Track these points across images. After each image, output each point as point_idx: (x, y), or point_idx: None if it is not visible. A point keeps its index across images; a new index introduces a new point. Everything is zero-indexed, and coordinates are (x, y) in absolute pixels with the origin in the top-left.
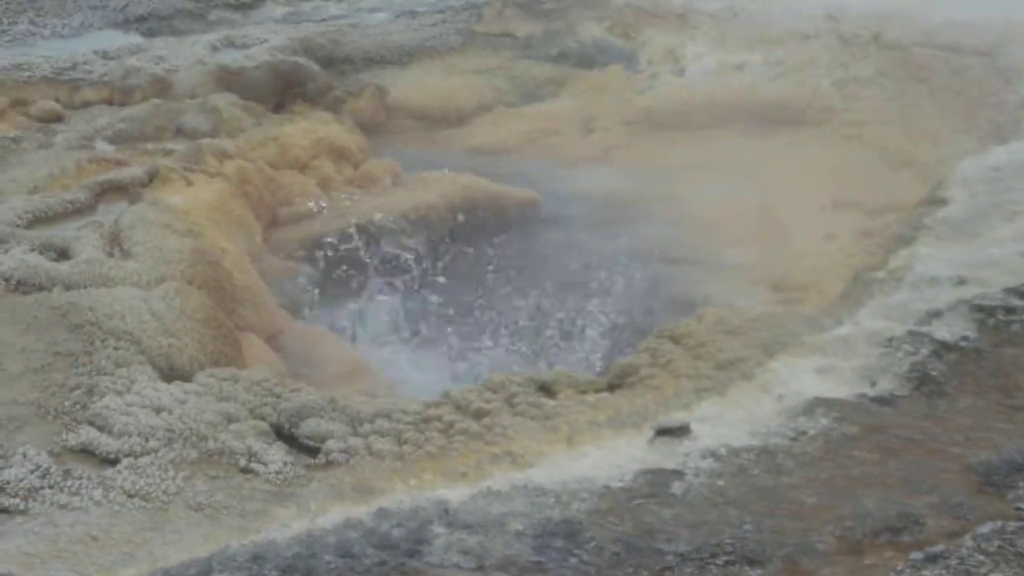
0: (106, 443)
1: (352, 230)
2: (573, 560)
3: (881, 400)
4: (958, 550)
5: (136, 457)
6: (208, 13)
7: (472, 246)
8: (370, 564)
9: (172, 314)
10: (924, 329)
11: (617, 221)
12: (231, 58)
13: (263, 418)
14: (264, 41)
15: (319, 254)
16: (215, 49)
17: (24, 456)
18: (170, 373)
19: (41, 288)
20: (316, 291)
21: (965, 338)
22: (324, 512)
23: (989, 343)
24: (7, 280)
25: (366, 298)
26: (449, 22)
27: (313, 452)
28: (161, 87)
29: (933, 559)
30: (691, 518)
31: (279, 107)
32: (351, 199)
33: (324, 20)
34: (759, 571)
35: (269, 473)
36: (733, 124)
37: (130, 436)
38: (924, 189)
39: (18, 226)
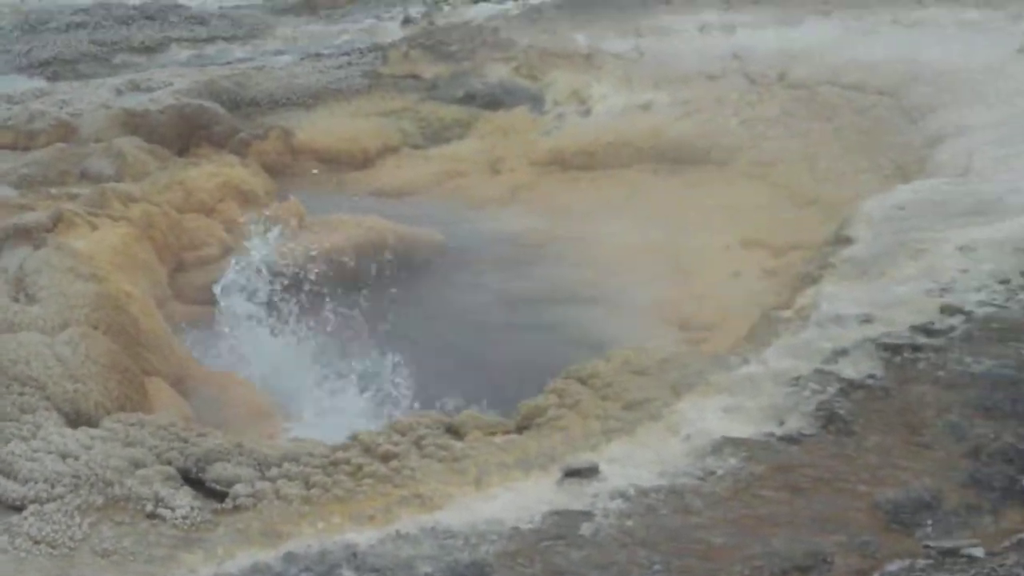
0: (12, 489)
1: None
2: None
3: (789, 439)
4: None
5: (42, 503)
6: (112, 57)
7: (377, 287)
8: None
9: (77, 359)
10: (831, 367)
11: (524, 262)
12: (136, 101)
13: (170, 463)
14: (169, 84)
15: (226, 298)
16: (119, 93)
17: None
18: (76, 419)
19: None
20: (223, 334)
21: (872, 376)
22: (231, 557)
23: (896, 381)
24: None
25: (271, 339)
26: (355, 64)
27: (220, 497)
28: (65, 131)
29: None
30: (600, 559)
31: (184, 150)
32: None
33: (229, 63)
34: None
35: (176, 518)
36: (640, 164)
37: (36, 482)
38: (829, 228)
39: None
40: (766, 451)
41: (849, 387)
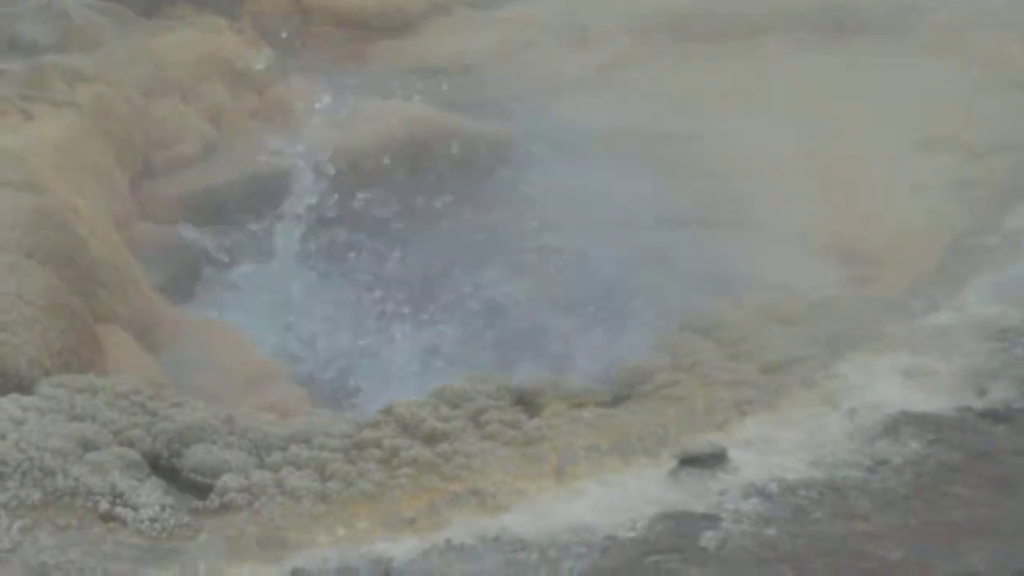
0: None
1: (255, 182)
2: None
3: (993, 415)
4: None
5: None
6: None
7: (422, 202)
8: None
9: (3, 300)
10: None
11: (621, 168)
12: None
13: (132, 444)
14: None
15: (209, 215)
16: None
17: None
18: (2, 383)
19: None
20: (205, 267)
21: None
22: (218, 575)
23: None
24: None
25: (274, 275)
26: None
27: (203, 491)
28: None
29: None
30: None
31: (153, 9)
32: (254, 138)
33: None
34: None
35: (141, 521)
36: (782, 32)
37: None
38: None
39: None
40: (962, 432)
41: None
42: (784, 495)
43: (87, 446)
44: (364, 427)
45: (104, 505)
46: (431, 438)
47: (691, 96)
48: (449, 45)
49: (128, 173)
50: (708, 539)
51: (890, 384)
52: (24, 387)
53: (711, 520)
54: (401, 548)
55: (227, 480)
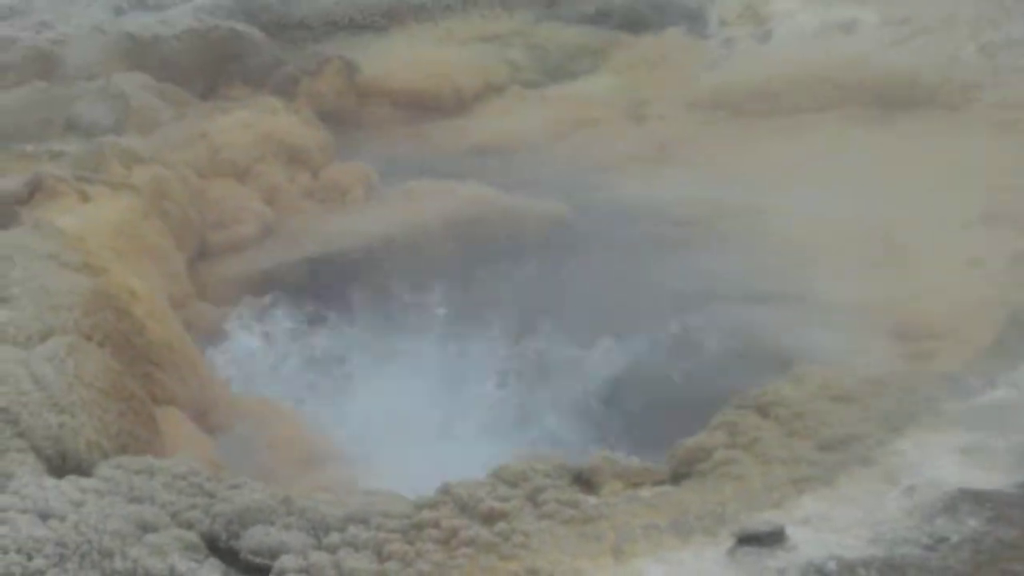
0: None
1: (310, 264)
2: None
3: None
4: None
5: None
6: None
7: (481, 281)
8: None
9: (63, 382)
10: None
11: (679, 245)
12: (142, 23)
13: (191, 526)
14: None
15: (266, 296)
16: (119, 10)
17: None
18: (61, 464)
19: None
20: (263, 348)
21: None
22: None
23: None
24: None
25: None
26: None
27: (261, 573)
28: (45, 65)
29: None
30: None
31: (209, 91)
32: (309, 218)
33: None
34: None
35: None
36: (840, 107)
37: (6, 553)
38: None
39: None
40: (1021, 508)
41: None
42: (843, 573)
43: (146, 528)
44: (423, 507)
45: None
46: (489, 518)
47: (747, 171)
48: (504, 124)
49: (185, 254)
50: None
51: (948, 461)
52: (83, 469)
53: None
54: None
55: (285, 561)
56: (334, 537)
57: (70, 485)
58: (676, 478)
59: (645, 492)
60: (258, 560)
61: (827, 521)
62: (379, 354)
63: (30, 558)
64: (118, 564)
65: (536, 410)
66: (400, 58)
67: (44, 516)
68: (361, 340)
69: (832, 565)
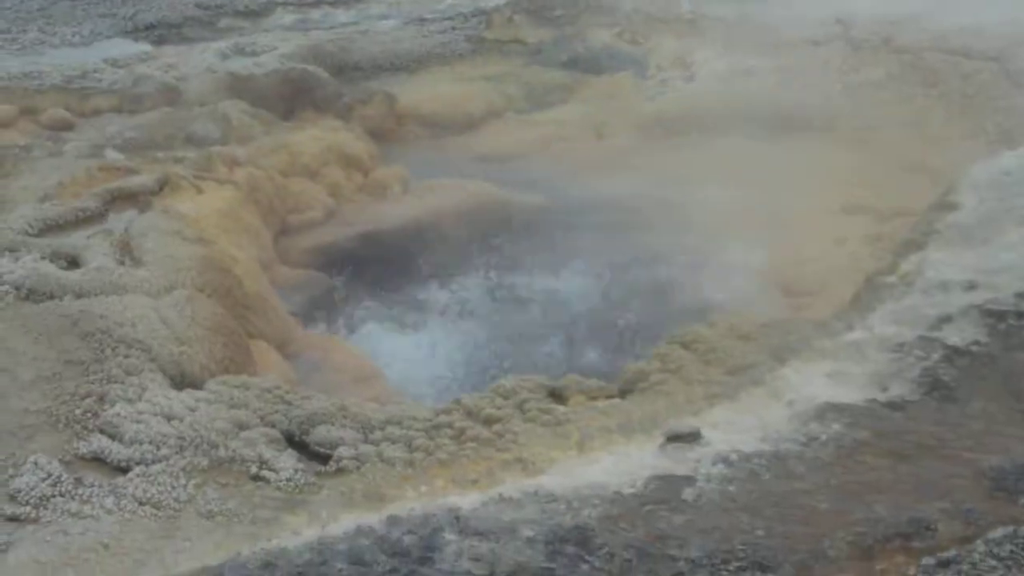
0: (117, 451)
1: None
2: (584, 567)
3: (892, 405)
4: (970, 555)
5: (147, 465)
6: (217, 20)
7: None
8: (382, 571)
9: (183, 322)
10: (935, 334)
11: (627, 226)
12: (240, 65)
13: (274, 425)
14: (273, 48)
15: (330, 262)
16: (225, 56)
17: (35, 464)
18: (181, 381)
19: (52, 297)
20: (327, 298)
21: (976, 343)
22: (335, 519)
23: (1000, 348)
24: (18, 289)
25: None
26: (458, 28)
27: (324, 459)
28: (171, 95)
29: (945, 564)
30: (703, 524)
31: (289, 114)
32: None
33: (333, 27)
34: None
35: (280, 481)
36: (741, 129)
37: (141, 444)
38: (934, 193)
39: (29, 234)
40: (870, 417)
41: (953, 353)
42: (742, 462)
43: (241, 426)
44: (440, 413)
45: (254, 469)
46: (489, 421)
47: (677, 174)
48: (501, 140)
49: (271, 231)
50: (687, 494)
51: (818, 383)
52: (197, 384)
53: (689, 480)
54: (467, 501)
55: (341, 451)
56: (377, 434)
57: (188, 396)
58: (623, 393)
59: (601, 403)
60: (322, 450)
61: (731, 425)
62: (406, 290)
63: (158, 448)
64: (221, 452)
65: (516, 322)
66: (426, 91)
67: (168, 417)
68: (394, 283)
69: (734, 456)
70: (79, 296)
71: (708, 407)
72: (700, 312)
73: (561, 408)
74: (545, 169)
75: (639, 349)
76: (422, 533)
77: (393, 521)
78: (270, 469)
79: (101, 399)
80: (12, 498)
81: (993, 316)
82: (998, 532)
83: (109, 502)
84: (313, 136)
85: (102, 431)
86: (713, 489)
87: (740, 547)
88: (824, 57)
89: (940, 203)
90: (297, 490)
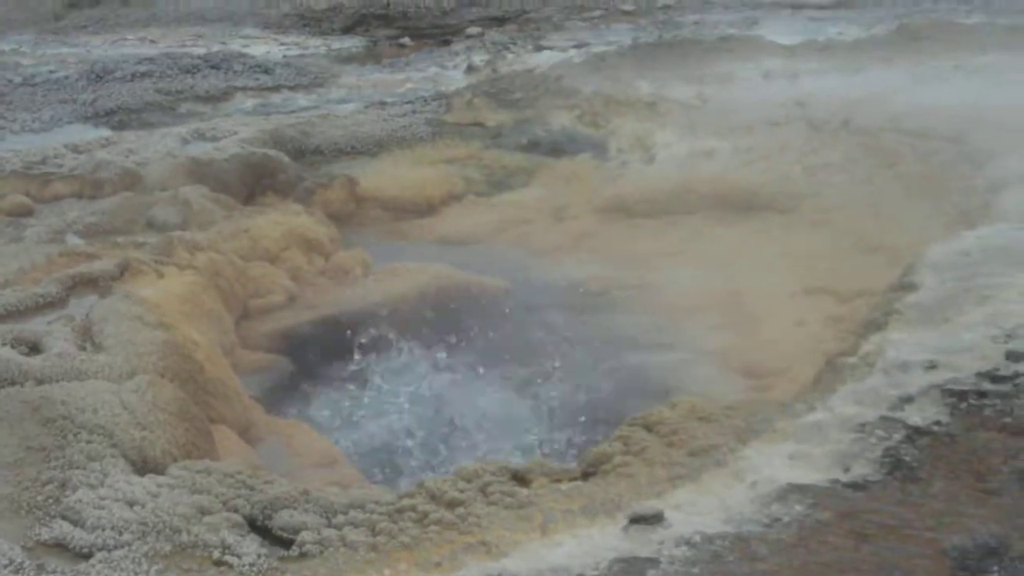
0: (79, 537)
1: (325, 323)
2: None
3: (854, 485)
4: None
5: (110, 551)
6: (178, 106)
7: (444, 335)
8: None
9: (144, 407)
10: (896, 414)
11: (589, 308)
12: (201, 150)
13: (237, 510)
14: (234, 133)
15: (291, 346)
16: (185, 141)
17: None
18: (143, 466)
19: (13, 382)
20: (288, 383)
21: (937, 422)
22: None
23: (962, 427)
24: None
25: (338, 388)
26: (419, 112)
27: (287, 544)
28: (131, 180)
29: None
30: None
31: (250, 199)
32: (323, 290)
33: (294, 111)
34: None
35: (243, 566)
36: (703, 211)
37: (103, 530)
38: (894, 274)
39: None
40: (832, 498)
41: (915, 433)
42: (705, 544)
43: (204, 512)
44: (403, 496)
45: (217, 554)
46: (452, 504)
47: (637, 256)
48: (462, 223)
49: (233, 316)
50: None
51: (781, 463)
52: (159, 470)
53: (653, 563)
54: None
55: (305, 536)
56: (340, 518)
57: (150, 481)
58: (586, 476)
59: (564, 486)
60: (285, 535)
61: (694, 507)
62: (365, 367)
63: (121, 533)
64: (184, 538)
65: (480, 404)
66: (387, 175)
67: (131, 503)
68: (355, 361)
69: (697, 538)
70: (40, 382)
71: (671, 488)
72: (662, 393)
73: (524, 491)
74: (506, 252)
75: (601, 430)
76: None
77: None
78: (233, 554)
79: (63, 485)
80: None
81: (954, 396)
82: None
83: None
84: (274, 220)
85: (64, 517)
86: (676, 571)
87: None
88: (784, 139)
89: (900, 284)
90: (260, 575)
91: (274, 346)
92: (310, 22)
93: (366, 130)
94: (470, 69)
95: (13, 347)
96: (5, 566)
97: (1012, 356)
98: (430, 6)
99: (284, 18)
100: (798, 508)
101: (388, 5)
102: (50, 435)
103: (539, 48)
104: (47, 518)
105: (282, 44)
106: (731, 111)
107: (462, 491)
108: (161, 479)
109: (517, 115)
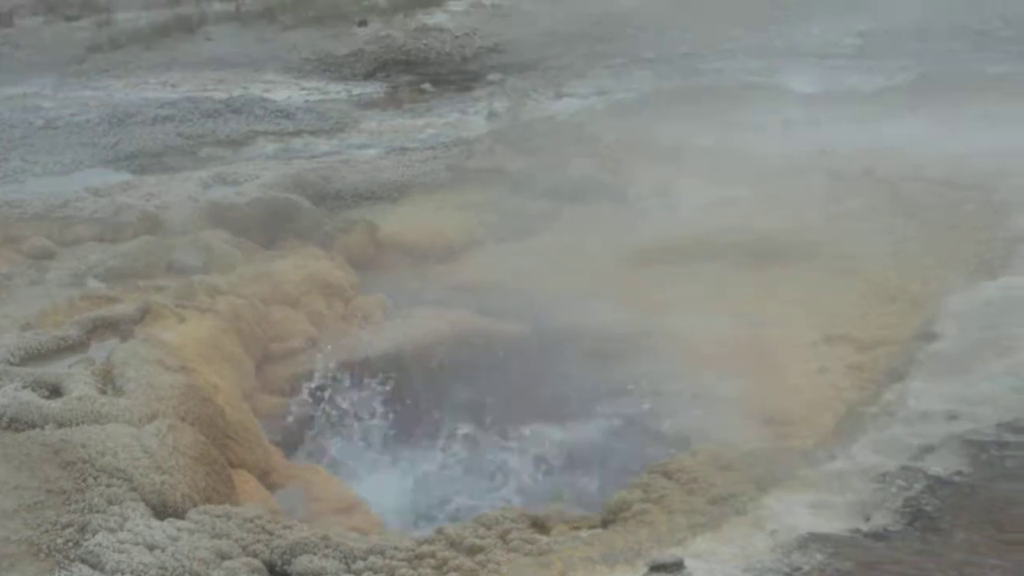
0: None
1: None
2: None
3: (875, 535)
4: None
5: None
6: (199, 150)
7: (463, 380)
8: None
9: (165, 451)
10: (917, 464)
11: (608, 356)
12: (222, 194)
13: (256, 555)
14: (255, 177)
15: (311, 390)
16: (206, 186)
17: None
18: (163, 510)
19: (33, 425)
20: (308, 428)
21: (958, 473)
22: None
23: (982, 478)
24: (0, 417)
25: (359, 433)
26: (440, 158)
27: None
28: (152, 224)
29: None
30: None
31: (270, 243)
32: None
33: (315, 156)
34: None
35: None
36: (724, 258)
37: (123, 574)
38: (915, 323)
39: (10, 363)
40: (852, 547)
41: (936, 484)
42: None
43: (223, 556)
44: (423, 543)
45: None
46: (472, 551)
47: (657, 303)
48: (483, 268)
49: (253, 360)
50: None
51: (801, 512)
52: (179, 514)
53: None
54: None
55: None
56: (359, 564)
57: (169, 525)
58: (605, 523)
59: (583, 533)
60: None
61: (714, 555)
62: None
63: None
64: None
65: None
66: (407, 220)
67: (151, 547)
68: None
69: None
70: (61, 425)
71: (691, 536)
72: (684, 441)
73: (544, 538)
74: (525, 298)
75: (621, 478)
76: None
77: None
78: None
79: (83, 528)
80: None
81: (975, 446)
82: None
83: None
84: (294, 265)
85: (83, 560)
86: None
87: None
88: (806, 187)
89: (921, 333)
90: None
91: (294, 390)
92: (331, 67)
93: (387, 175)
94: (491, 115)
95: (34, 390)
96: None
97: None
98: (451, 52)
99: (305, 63)
100: (818, 557)
101: (409, 51)
102: (70, 478)
103: (560, 95)
104: (67, 561)
105: (303, 89)
106: (753, 158)
107: (482, 537)
108: (181, 523)
109: (538, 161)
